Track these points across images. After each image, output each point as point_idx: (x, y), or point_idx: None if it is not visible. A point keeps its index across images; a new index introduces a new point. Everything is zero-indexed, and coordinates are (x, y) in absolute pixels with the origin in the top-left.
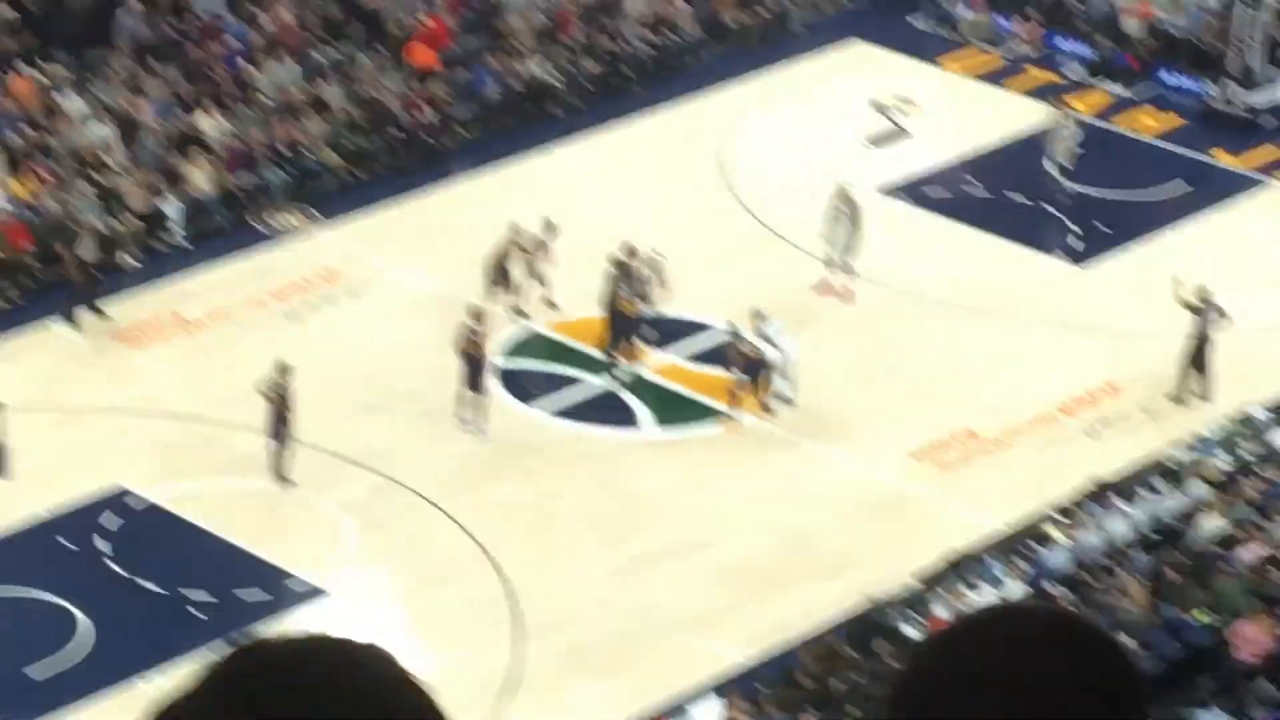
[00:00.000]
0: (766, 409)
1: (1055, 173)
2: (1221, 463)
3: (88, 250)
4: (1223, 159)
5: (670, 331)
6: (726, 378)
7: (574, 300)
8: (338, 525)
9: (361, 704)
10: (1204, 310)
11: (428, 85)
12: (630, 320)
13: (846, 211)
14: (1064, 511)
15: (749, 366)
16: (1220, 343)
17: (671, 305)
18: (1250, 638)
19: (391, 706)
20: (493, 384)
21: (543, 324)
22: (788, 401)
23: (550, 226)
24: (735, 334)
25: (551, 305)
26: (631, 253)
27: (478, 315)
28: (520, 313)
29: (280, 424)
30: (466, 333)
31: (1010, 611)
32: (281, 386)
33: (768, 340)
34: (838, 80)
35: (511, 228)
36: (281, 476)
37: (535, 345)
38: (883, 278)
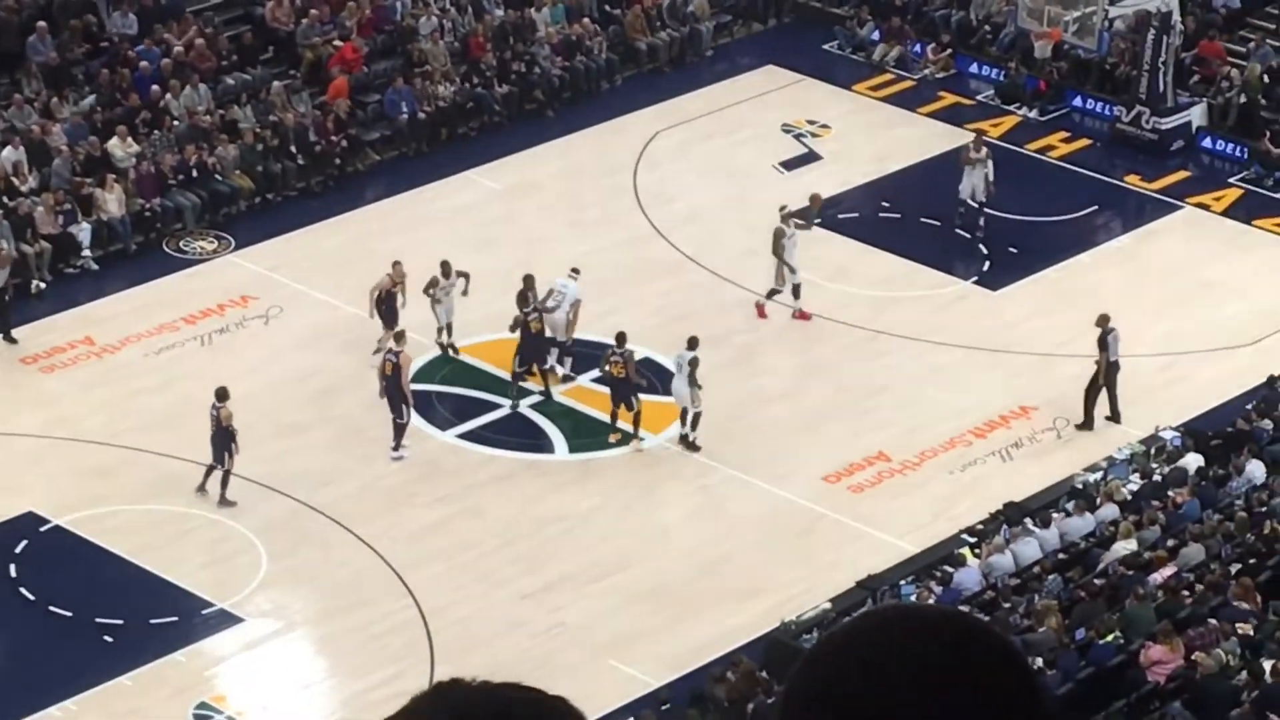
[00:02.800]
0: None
1: (972, 204)
2: (1131, 484)
3: None
4: (1134, 182)
5: (582, 355)
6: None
7: (484, 322)
8: (252, 550)
9: None
10: (1107, 336)
11: (338, 109)
12: (537, 341)
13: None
14: (975, 533)
15: (620, 385)
16: (1125, 366)
17: (584, 329)
18: (1161, 659)
19: None
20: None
21: (452, 348)
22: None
23: (447, 270)
24: (618, 353)
25: (449, 348)
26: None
27: (398, 337)
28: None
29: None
30: (388, 356)
31: (900, 611)
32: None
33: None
34: (750, 104)
35: (396, 267)
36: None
37: (446, 369)
38: (795, 301)
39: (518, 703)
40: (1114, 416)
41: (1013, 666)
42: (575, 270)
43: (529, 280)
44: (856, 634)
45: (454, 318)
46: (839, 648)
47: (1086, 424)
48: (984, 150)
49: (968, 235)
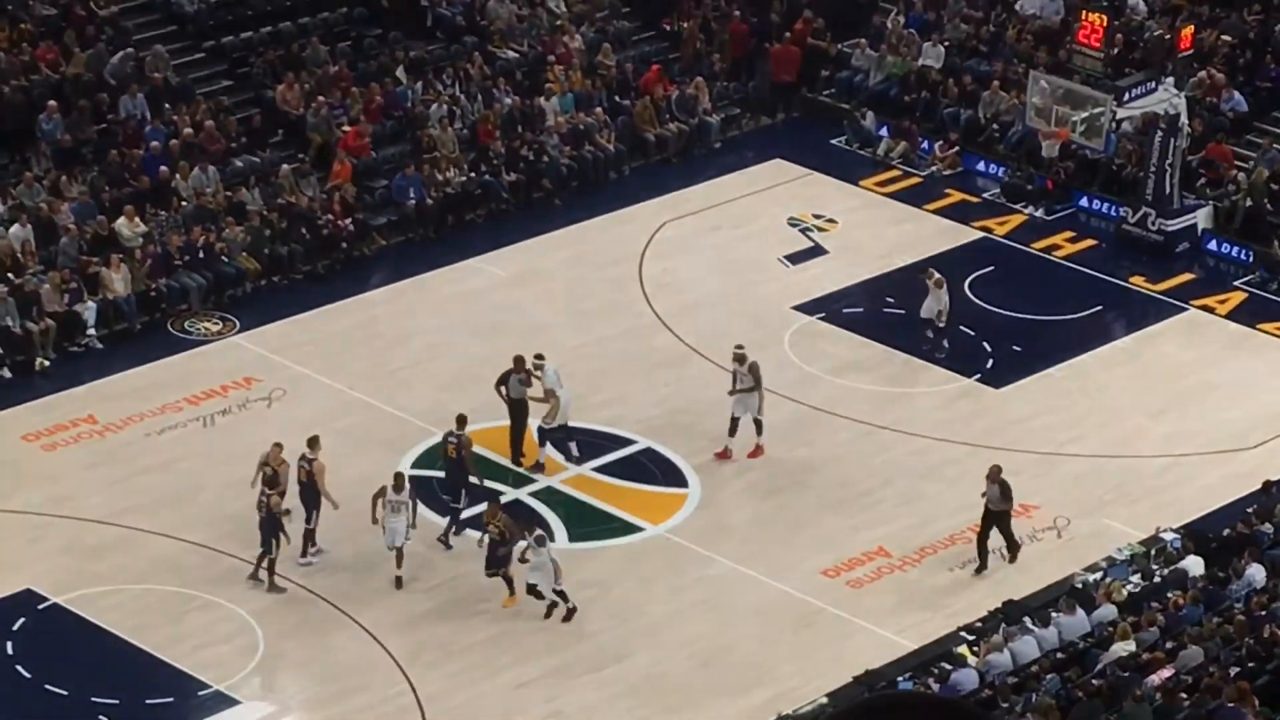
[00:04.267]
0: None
1: (938, 324)
2: (1131, 585)
3: None
4: (1139, 284)
5: (583, 443)
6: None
7: (484, 410)
8: (249, 631)
9: None
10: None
11: (345, 192)
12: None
13: (750, 378)
14: (974, 631)
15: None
16: (1127, 465)
17: (586, 417)
18: None
19: None
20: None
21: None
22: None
23: (400, 483)
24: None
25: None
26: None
27: (311, 444)
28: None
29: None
30: (301, 464)
31: (896, 699)
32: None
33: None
34: (757, 197)
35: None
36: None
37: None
38: (798, 394)
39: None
40: (1010, 558)
41: None
42: (540, 356)
43: (519, 361)
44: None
45: (403, 541)
46: None
47: (982, 565)
48: (936, 277)
49: (970, 332)
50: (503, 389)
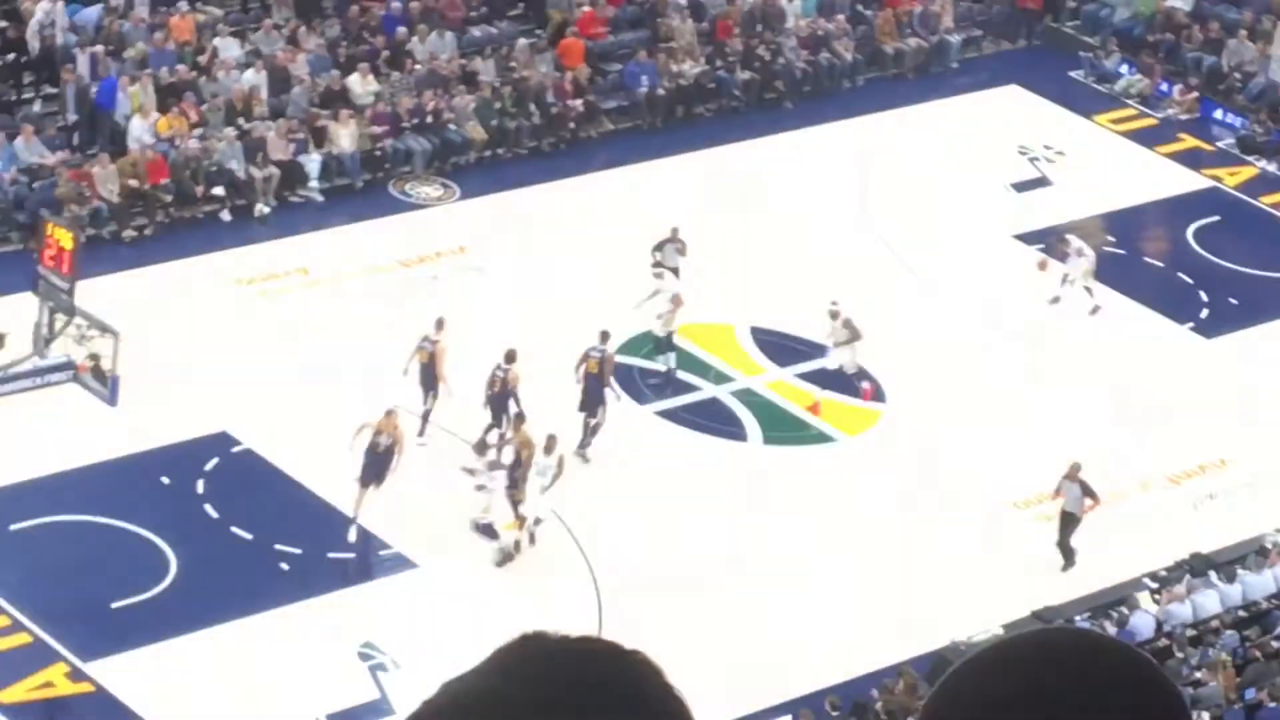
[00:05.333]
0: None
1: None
2: None
3: None
4: None
5: (790, 349)
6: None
7: (698, 308)
8: (436, 500)
9: (632, 707)
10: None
11: (578, 74)
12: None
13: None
14: (1158, 579)
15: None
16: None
17: (789, 322)
18: None
19: (656, 713)
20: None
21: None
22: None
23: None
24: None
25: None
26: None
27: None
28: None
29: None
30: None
31: (1063, 632)
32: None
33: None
34: (989, 121)
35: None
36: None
37: (650, 347)
38: (1007, 323)
39: (602, 655)
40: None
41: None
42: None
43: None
44: (1007, 647)
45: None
46: (988, 659)
47: (1069, 563)
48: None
49: (1188, 279)
50: (658, 255)
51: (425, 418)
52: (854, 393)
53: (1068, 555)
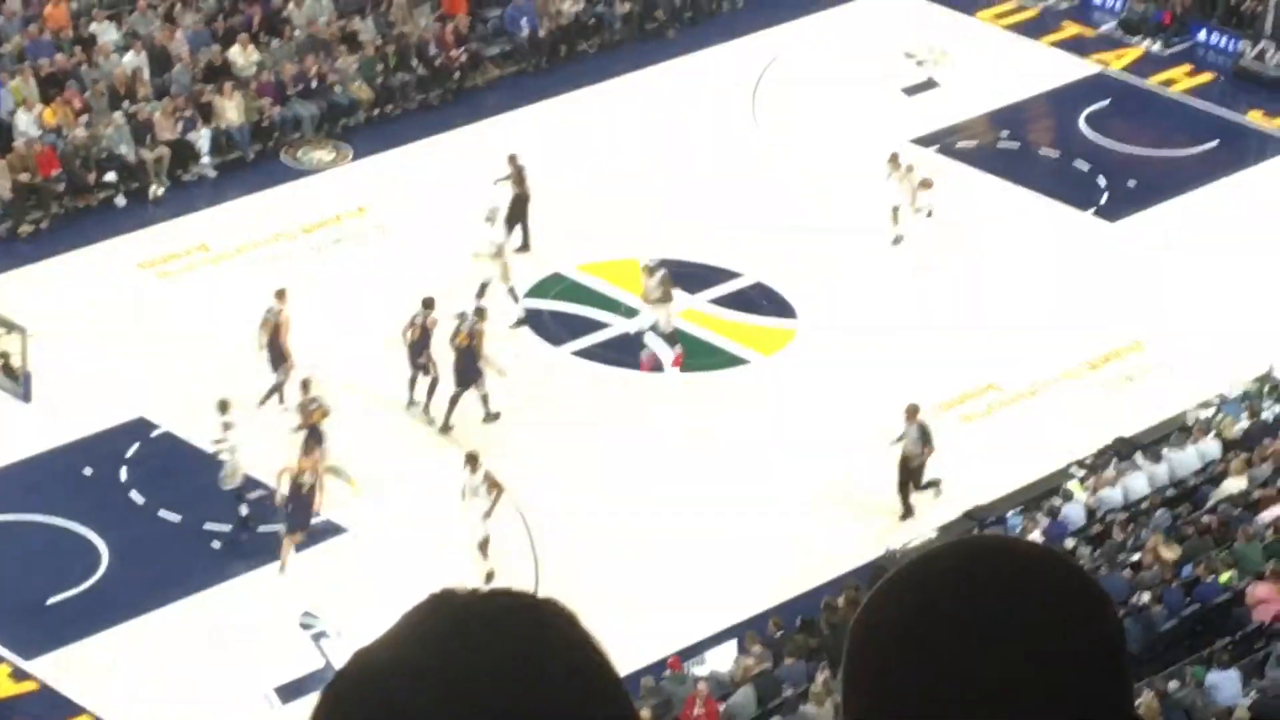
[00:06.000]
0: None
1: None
2: (1242, 423)
3: None
4: (1256, 120)
5: (697, 276)
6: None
7: (602, 244)
8: (357, 461)
9: (545, 664)
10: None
11: (458, 23)
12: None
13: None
14: (1085, 466)
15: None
16: (1257, 304)
17: (694, 250)
18: (1267, 598)
19: (575, 663)
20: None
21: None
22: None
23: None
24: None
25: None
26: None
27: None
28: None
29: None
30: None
31: (967, 542)
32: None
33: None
34: (873, 28)
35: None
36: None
37: (560, 287)
38: (910, 229)
39: (512, 608)
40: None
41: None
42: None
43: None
44: (931, 559)
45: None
46: (913, 572)
47: (907, 513)
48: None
49: (1085, 165)
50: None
51: (278, 390)
52: (758, 311)
53: (907, 503)
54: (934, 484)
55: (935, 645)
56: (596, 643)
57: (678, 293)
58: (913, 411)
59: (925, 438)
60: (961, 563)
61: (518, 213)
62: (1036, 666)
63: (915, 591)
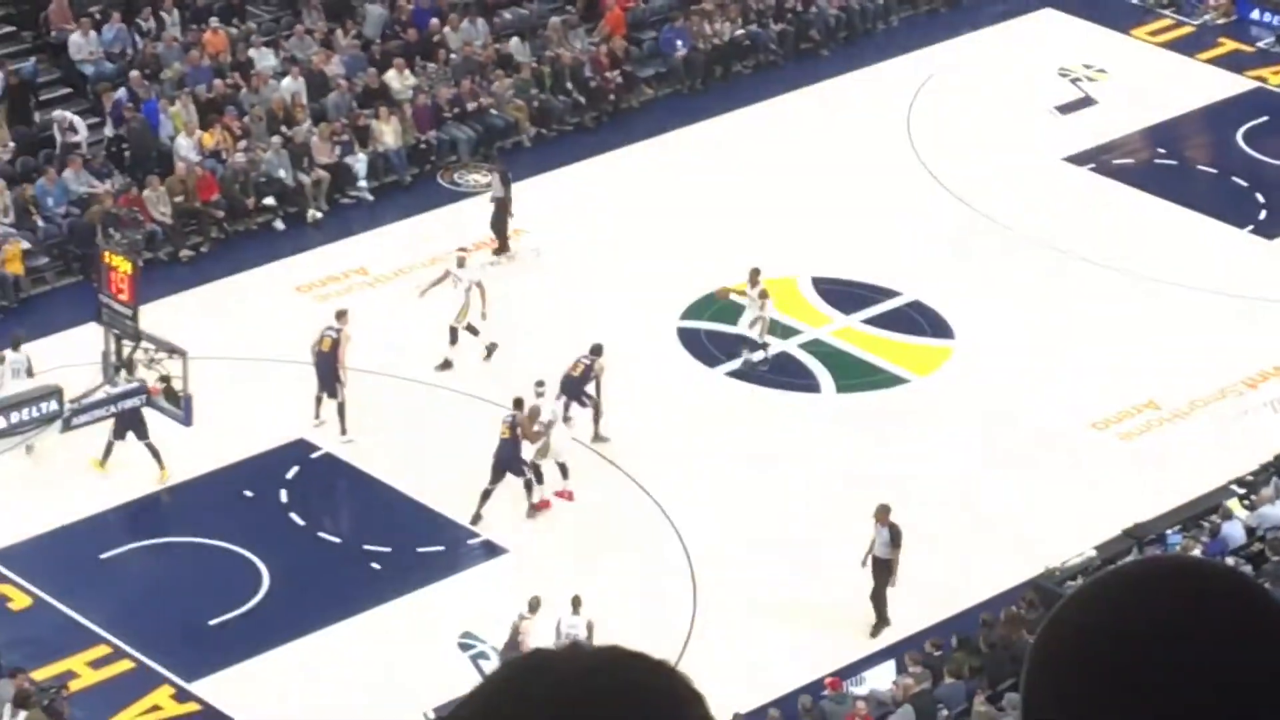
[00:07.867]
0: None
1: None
2: None
3: None
4: None
5: (855, 295)
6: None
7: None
8: (516, 483)
9: None
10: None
11: (613, 45)
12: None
13: None
14: (1245, 484)
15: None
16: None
17: (849, 269)
18: None
19: None
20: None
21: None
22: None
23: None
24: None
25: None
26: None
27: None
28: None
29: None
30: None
31: (1166, 561)
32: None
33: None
34: (1027, 47)
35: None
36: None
37: (715, 308)
38: (1067, 247)
39: (619, 687)
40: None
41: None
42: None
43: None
44: (1110, 580)
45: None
46: (1092, 596)
47: (882, 622)
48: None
49: (1243, 183)
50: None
51: (340, 412)
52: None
53: (881, 609)
54: (885, 609)
55: (1120, 668)
56: (706, 704)
57: (834, 311)
58: (883, 513)
59: (895, 540)
60: (1143, 583)
61: (500, 220)
62: (1224, 690)
63: (1098, 614)
